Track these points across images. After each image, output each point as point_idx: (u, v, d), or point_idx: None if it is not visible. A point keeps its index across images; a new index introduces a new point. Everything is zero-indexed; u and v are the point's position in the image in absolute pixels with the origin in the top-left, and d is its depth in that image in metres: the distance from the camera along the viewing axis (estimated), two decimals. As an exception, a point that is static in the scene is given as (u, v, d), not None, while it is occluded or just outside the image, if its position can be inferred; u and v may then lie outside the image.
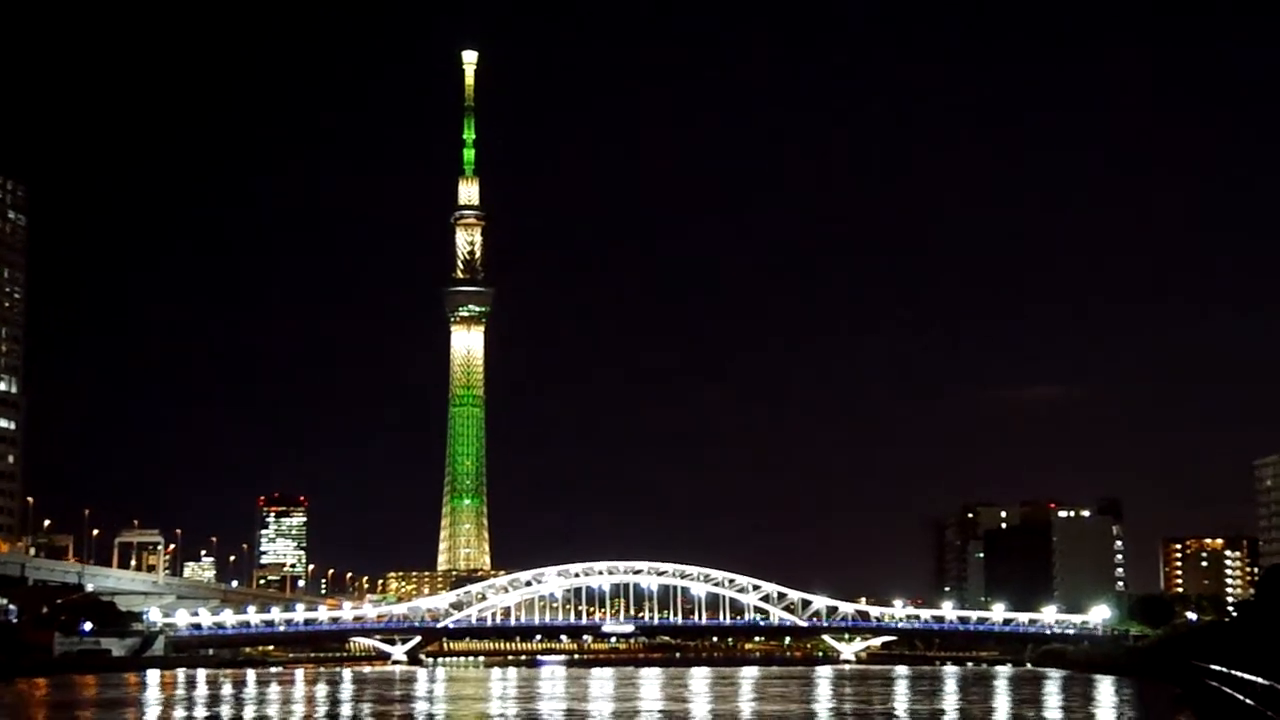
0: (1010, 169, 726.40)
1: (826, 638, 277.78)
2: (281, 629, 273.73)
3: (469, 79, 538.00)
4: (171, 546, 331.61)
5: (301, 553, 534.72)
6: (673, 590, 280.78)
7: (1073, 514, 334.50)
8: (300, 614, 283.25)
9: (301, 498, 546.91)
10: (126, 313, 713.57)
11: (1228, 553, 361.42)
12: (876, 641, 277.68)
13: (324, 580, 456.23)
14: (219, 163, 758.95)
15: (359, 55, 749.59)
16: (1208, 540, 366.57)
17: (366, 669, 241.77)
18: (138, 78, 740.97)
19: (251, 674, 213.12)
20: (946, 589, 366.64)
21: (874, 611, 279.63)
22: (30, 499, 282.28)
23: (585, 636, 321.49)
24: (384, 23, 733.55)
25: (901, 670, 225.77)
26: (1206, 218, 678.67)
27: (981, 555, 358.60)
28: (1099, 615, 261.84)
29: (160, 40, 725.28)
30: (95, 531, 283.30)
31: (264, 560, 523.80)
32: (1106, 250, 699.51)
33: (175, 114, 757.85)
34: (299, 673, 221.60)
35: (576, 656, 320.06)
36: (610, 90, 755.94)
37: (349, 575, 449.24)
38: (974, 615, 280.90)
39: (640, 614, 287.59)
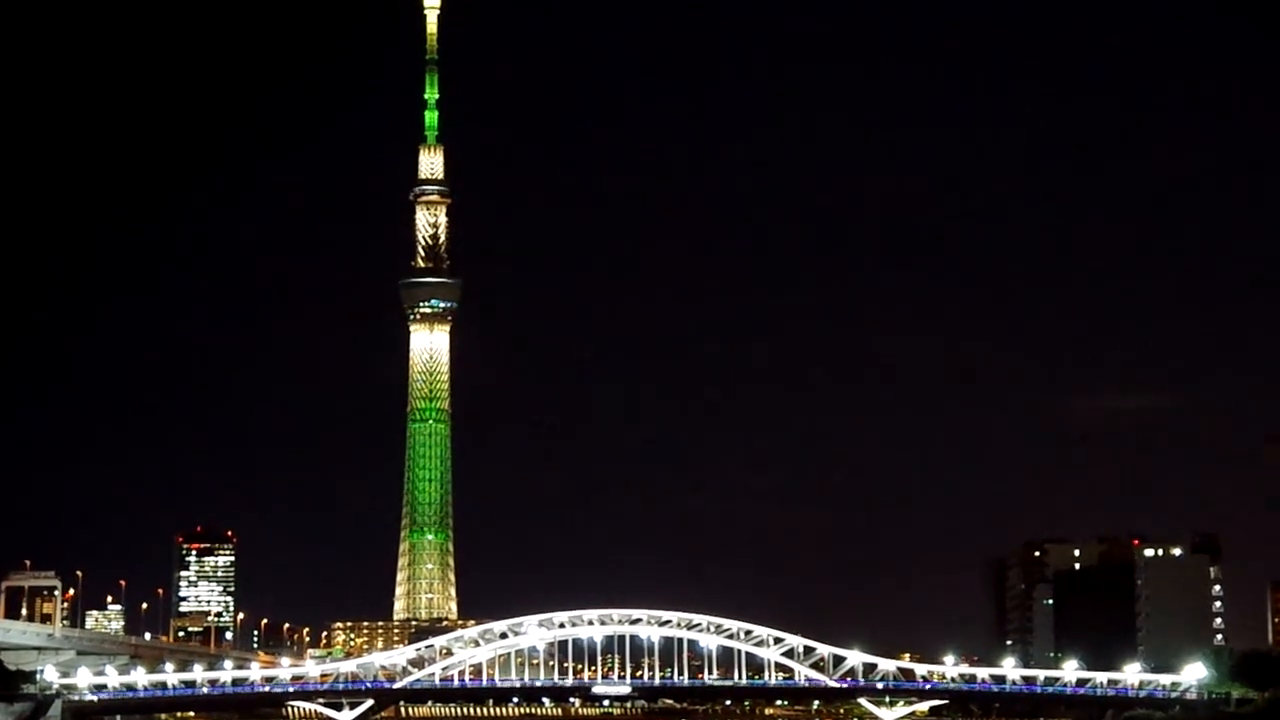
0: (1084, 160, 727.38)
1: (863, 701, 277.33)
2: (205, 691, 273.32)
3: (430, 27, 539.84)
4: (71, 592, 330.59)
5: (229, 599, 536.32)
6: (677, 644, 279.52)
7: (1161, 552, 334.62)
8: (228, 673, 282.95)
9: (229, 532, 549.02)
10: (13, 313, 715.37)
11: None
12: (924, 705, 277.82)
13: (256, 632, 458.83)
14: (129, 152, 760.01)
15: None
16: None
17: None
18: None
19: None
20: (1008, 642, 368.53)
21: (920, 669, 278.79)
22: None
23: (572, 699, 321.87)
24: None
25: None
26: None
27: (1050, 602, 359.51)
28: (1193, 675, 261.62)
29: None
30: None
31: (183, 608, 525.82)
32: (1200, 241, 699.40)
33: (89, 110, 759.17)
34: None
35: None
36: (604, 41, 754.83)
37: (286, 626, 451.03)
38: (1041, 674, 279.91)
39: (638, 672, 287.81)
